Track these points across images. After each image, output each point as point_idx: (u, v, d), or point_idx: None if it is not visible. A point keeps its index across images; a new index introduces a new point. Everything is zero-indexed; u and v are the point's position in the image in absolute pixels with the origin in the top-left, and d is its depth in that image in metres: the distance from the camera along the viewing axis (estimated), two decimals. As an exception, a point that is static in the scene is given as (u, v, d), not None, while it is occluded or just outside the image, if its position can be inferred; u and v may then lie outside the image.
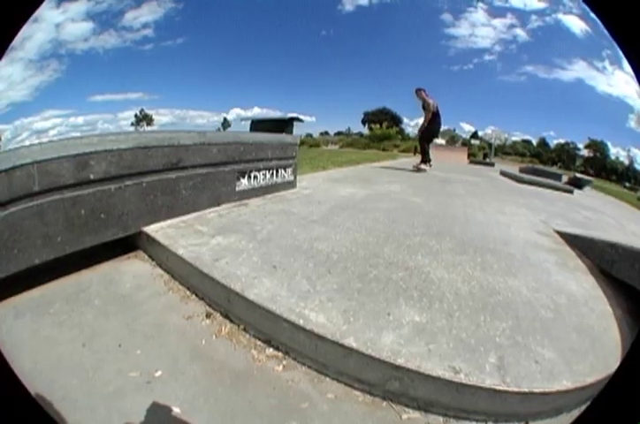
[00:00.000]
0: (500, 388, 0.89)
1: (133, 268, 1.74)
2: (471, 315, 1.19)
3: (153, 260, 1.78)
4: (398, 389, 0.97)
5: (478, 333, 1.09)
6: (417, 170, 5.99)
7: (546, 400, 0.94)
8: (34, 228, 1.41)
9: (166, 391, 0.98)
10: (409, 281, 1.42)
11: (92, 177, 1.57)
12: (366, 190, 3.55)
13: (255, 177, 2.64)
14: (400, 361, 0.93)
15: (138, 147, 1.76)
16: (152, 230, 1.81)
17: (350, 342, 0.99)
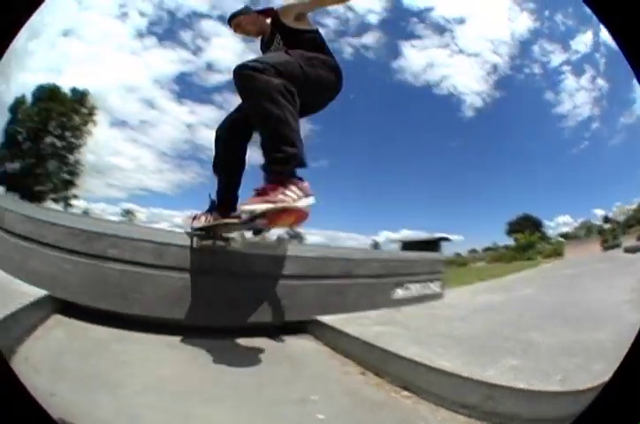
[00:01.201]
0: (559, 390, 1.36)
1: (301, 343, 2.28)
2: (553, 358, 1.70)
3: (320, 340, 2.32)
4: (490, 408, 1.40)
5: (555, 366, 1.59)
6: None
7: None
8: (223, 296, 2.14)
9: (316, 407, 1.40)
10: (516, 346, 1.94)
11: (285, 273, 2.29)
12: (502, 296, 4.31)
13: (408, 288, 3.18)
14: (494, 381, 1.44)
15: (323, 257, 2.59)
16: (322, 318, 2.40)
17: (462, 372, 1.52)
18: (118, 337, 1.96)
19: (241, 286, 2.26)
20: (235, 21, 2.39)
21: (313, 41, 2.20)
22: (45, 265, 2.16)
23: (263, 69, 1.73)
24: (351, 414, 1.42)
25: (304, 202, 1.65)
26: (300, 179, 1.74)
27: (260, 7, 2.38)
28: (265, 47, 2.40)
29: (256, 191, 1.68)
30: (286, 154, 1.70)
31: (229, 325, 2.18)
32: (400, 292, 3.09)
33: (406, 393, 1.61)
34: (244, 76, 1.76)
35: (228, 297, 2.22)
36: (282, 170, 1.72)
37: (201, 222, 2.24)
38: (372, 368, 1.85)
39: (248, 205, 1.64)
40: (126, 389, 1.43)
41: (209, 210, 2.30)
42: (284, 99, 1.73)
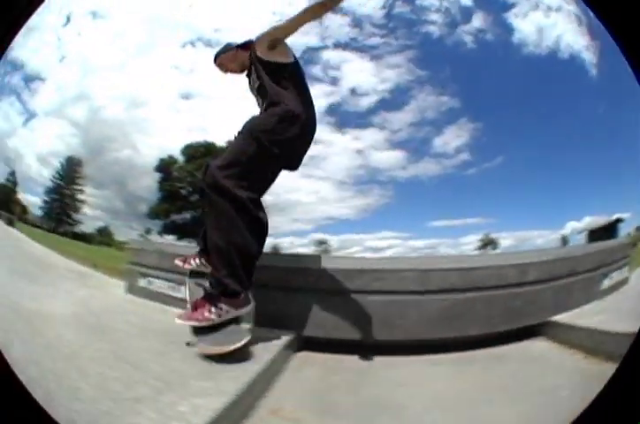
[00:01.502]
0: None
1: (538, 346, 2.51)
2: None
3: (553, 340, 2.53)
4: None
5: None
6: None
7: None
8: (478, 311, 2.40)
9: (563, 388, 1.75)
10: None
11: (528, 279, 2.52)
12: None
13: (611, 277, 3.29)
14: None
15: (555, 259, 2.82)
16: (555, 317, 2.62)
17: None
18: (380, 363, 2.13)
19: (488, 299, 2.51)
20: (218, 61, 2.41)
21: (288, 73, 2.11)
22: (291, 308, 2.33)
23: (232, 186, 1.78)
24: (578, 384, 1.79)
25: (231, 314, 1.78)
26: (236, 295, 1.78)
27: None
28: (248, 81, 2.32)
29: (192, 304, 1.88)
30: (219, 282, 1.81)
31: (480, 336, 2.45)
32: (605, 283, 3.18)
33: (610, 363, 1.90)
34: (211, 196, 1.81)
35: (477, 310, 2.47)
36: (212, 292, 1.84)
37: (191, 264, 2.28)
38: (592, 352, 2.16)
39: (181, 320, 1.81)
40: (411, 409, 1.57)
41: (201, 251, 2.24)
42: (244, 224, 1.80)
